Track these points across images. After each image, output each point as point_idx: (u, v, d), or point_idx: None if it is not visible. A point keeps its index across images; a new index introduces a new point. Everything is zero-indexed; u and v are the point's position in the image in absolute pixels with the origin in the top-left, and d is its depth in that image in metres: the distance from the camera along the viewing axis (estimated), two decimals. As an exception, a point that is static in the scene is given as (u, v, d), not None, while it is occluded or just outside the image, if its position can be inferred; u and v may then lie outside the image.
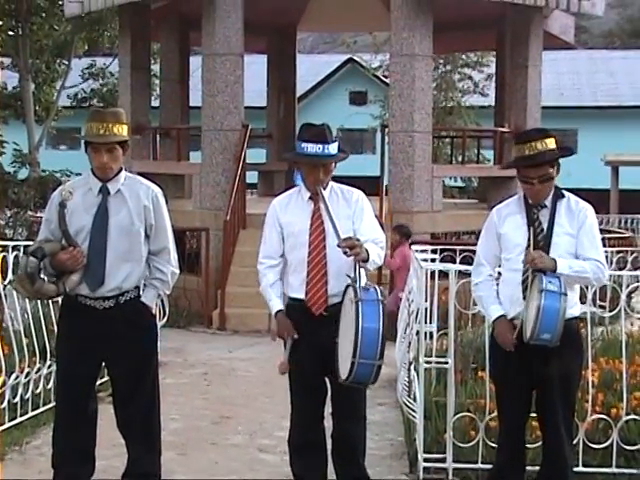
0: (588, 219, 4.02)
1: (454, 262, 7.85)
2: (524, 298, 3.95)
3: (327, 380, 4.23)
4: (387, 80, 17.88)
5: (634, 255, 11.01)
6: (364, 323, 3.78)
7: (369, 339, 3.77)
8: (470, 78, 23.84)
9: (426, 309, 5.88)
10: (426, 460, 4.99)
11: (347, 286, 4.01)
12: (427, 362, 5.22)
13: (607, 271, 4.06)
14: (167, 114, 13.96)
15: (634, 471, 4.89)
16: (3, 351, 5.60)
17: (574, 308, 4.04)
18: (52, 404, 5.12)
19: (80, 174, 4.47)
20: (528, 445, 4.38)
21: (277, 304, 4.26)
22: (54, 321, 5.53)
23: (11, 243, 6.08)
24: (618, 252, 10.62)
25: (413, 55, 10.99)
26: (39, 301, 5.95)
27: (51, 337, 5.65)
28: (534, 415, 4.19)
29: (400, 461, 5.29)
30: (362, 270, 4.03)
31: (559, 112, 26.09)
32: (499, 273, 4.22)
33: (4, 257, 5.59)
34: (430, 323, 6.20)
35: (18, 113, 20.62)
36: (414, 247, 7.34)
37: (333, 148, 4.16)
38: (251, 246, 7.16)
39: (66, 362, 4.21)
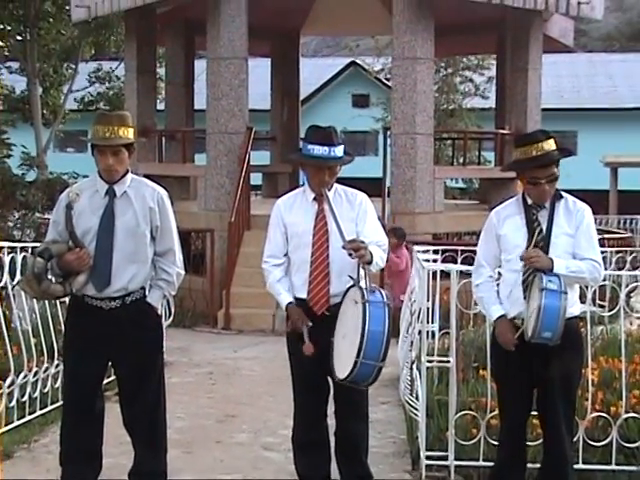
0: (585, 219, 4.06)
1: (455, 262, 7.87)
2: (524, 298, 3.98)
3: (329, 379, 4.24)
4: (389, 83, 17.93)
5: (633, 255, 11.02)
6: (370, 326, 3.80)
7: (374, 341, 3.80)
8: (471, 81, 23.85)
9: (428, 309, 5.92)
10: (428, 458, 5.01)
11: (349, 286, 4.05)
12: (429, 361, 5.23)
13: (603, 270, 4.09)
14: (172, 117, 14.02)
15: (633, 468, 4.91)
16: (12, 351, 5.63)
17: (574, 307, 4.07)
18: (60, 403, 5.16)
19: (87, 176, 4.49)
20: (529, 443, 4.41)
21: (287, 297, 4.27)
22: (61, 321, 5.56)
23: (19, 244, 6.14)
24: (617, 252, 10.62)
25: (415, 58, 11.05)
26: (47, 301, 5.98)
27: (59, 337, 5.68)
28: (535, 413, 4.21)
29: (403, 459, 5.31)
30: (363, 272, 4.05)
31: (559, 114, 26.09)
32: (499, 273, 4.24)
33: (12, 258, 5.64)
34: (432, 323, 6.25)
35: (26, 116, 20.72)
36: (416, 248, 7.38)
37: (339, 151, 4.18)
38: (256, 247, 7.20)
39: (73, 361, 4.23)
